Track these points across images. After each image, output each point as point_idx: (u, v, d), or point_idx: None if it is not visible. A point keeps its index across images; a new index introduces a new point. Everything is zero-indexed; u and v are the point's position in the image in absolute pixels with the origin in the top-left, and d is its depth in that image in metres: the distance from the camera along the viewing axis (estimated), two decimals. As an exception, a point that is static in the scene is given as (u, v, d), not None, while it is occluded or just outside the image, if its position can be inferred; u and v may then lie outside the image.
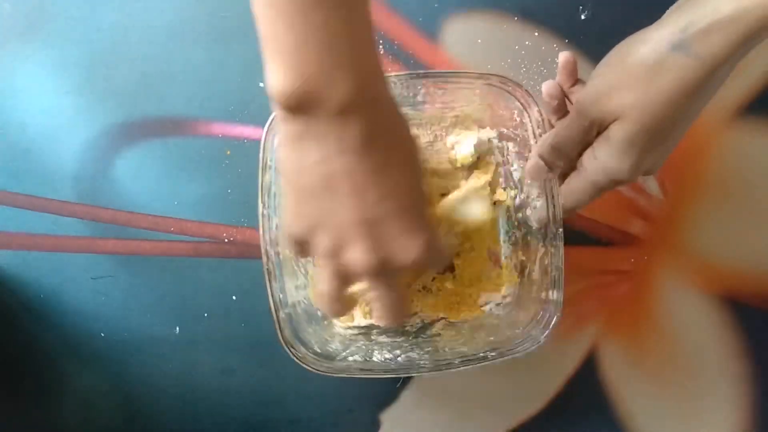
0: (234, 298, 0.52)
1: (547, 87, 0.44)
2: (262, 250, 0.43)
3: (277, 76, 0.30)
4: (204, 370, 0.52)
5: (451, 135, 0.50)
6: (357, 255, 0.33)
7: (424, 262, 0.34)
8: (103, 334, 0.52)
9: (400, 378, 0.52)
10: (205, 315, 0.52)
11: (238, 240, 0.52)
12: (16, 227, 0.52)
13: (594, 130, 0.39)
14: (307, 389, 0.52)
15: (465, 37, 0.53)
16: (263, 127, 0.44)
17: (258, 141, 0.45)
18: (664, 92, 0.35)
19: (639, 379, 0.53)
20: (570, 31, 0.53)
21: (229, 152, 0.52)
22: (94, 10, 0.53)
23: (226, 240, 0.52)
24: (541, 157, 0.43)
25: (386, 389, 0.53)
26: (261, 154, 0.43)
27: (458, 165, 0.49)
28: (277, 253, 0.44)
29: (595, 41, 0.53)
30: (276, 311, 0.43)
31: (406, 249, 0.34)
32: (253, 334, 0.52)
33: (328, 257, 0.34)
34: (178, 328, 0.52)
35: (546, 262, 0.45)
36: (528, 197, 0.47)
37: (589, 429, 0.53)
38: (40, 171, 0.52)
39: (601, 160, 0.39)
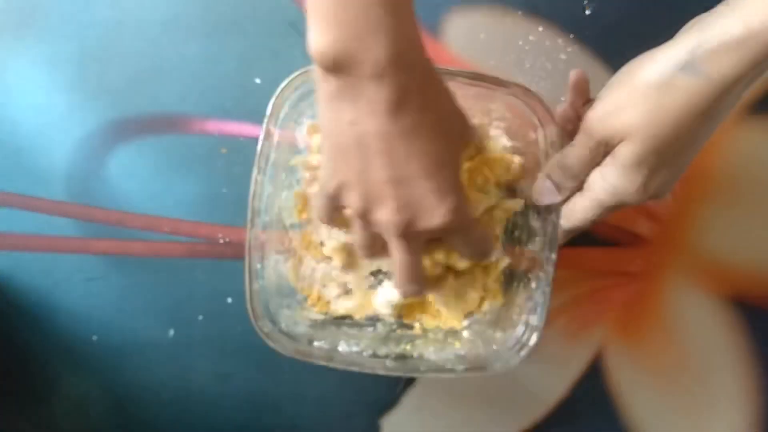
0: (229, 300, 0.51)
1: (561, 110, 0.44)
2: (248, 218, 0.43)
3: (315, 36, 0.31)
4: (199, 374, 0.52)
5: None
6: (384, 214, 0.35)
7: (451, 226, 0.36)
8: (95, 337, 0.52)
9: (401, 382, 0.52)
10: (200, 318, 0.52)
11: (233, 241, 0.51)
12: (6, 227, 0.52)
13: (602, 149, 0.39)
14: (305, 394, 0.52)
15: (467, 32, 0.52)
16: (260, 124, 0.44)
17: (254, 139, 0.44)
18: (671, 112, 0.35)
19: (646, 382, 0.53)
20: (574, 26, 0.52)
21: (224, 150, 0.52)
22: (87, 6, 0.52)
23: (221, 241, 0.51)
24: (549, 177, 0.42)
25: (387, 393, 0.52)
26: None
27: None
28: (265, 223, 0.44)
29: (599, 37, 0.52)
30: (250, 281, 0.43)
31: (433, 211, 0.35)
32: (249, 337, 0.50)
33: (357, 215, 0.36)
34: (172, 331, 0.52)
35: (533, 285, 0.45)
36: (529, 218, 0.47)
37: (594, 434, 0.53)
38: (32, 169, 0.52)
39: (609, 180, 0.39)
